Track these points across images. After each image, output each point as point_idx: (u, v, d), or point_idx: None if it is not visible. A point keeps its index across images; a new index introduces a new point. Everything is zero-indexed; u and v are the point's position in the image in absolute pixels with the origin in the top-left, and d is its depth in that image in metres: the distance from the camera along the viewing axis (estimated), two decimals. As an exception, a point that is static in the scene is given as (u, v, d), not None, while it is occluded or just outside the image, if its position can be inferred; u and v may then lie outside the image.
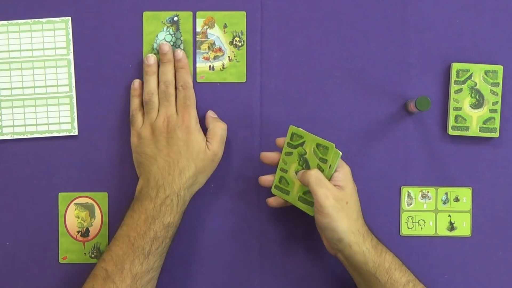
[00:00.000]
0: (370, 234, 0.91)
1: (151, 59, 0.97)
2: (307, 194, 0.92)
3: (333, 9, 0.99)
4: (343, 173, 0.91)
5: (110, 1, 0.99)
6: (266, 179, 0.95)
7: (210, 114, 0.97)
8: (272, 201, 0.95)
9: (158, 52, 0.98)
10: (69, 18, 0.99)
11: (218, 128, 0.95)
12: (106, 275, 0.87)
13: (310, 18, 0.99)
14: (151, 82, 0.96)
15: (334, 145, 0.90)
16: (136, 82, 0.97)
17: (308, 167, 0.91)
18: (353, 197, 0.91)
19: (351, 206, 0.89)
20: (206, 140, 0.95)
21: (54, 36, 0.99)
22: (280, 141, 0.94)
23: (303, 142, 0.92)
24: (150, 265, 0.89)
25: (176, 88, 0.96)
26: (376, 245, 0.90)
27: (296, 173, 0.92)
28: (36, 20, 0.99)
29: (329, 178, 0.90)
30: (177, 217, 0.91)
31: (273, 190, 0.94)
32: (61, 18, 0.99)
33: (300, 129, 0.93)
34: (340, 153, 0.90)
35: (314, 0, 0.99)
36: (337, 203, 0.88)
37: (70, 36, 0.99)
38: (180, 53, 0.97)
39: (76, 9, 0.99)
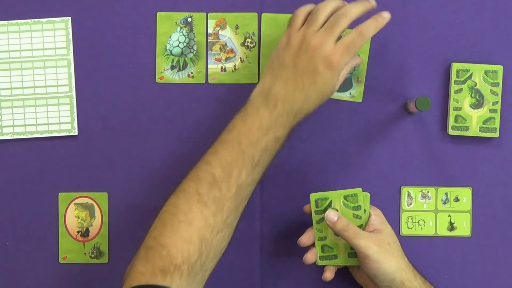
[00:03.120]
0: (416, 271, 0.92)
1: None
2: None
3: (333, 9, 0.99)
4: (378, 216, 0.92)
5: (111, 1, 0.99)
6: (310, 256, 0.92)
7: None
8: (328, 275, 0.93)
9: (171, 53, 0.98)
10: (69, 18, 0.99)
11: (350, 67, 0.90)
12: (212, 180, 0.83)
13: (310, 18, 1.00)
14: (335, 1, 0.88)
15: (361, 189, 0.91)
16: None
17: None
18: (393, 237, 0.91)
19: (394, 246, 0.90)
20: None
21: (54, 36, 0.99)
22: (308, 208, 0.92)
23: (330, 202, 0.92)
24: (255, 178, 0.85)
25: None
26: (425, 281, 0.92)
27: (335, 234, 0.91)
28: (36, 20, 0.99)
29: (367, 222, 0.91)
30: (286, 134, 0.87)
31: (319, 262, 0.93)
32: (61, 18, 0.99)
33: (321, 192, 0.92)
34: (369, 194, 0.92)
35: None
36: (380, 247, 0.88)
37: (70, 36, 0.99)
38: (388, 15, 0.88)
39: (76, 9, 0.99)
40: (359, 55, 0.90)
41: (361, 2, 0.89)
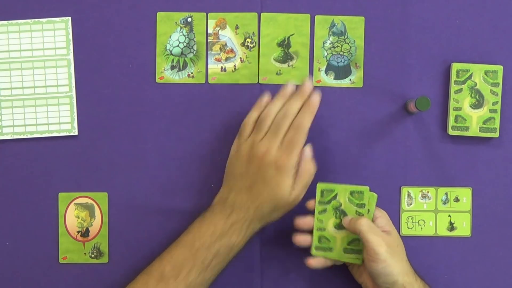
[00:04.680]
0: (417, 274, 0.92)
1: (290, 87, 0.93)
2: (352, 243, 0.92)
3: (333, 10, 0.99)
4: (385, 218, 0.93)
5: (111, 1, 0.99)
6: (302, 239, 0.93)
7: (307, 152, 0.92)
8: (313, 263, 0.93)
9: (171, 53, 0.98)
10: (69, 18, 0.99)
11: (307, 173, 0.91)
12: (161, 275, 0.88)
13: (310, 18, 1.00)
14: (277, 104, 0.92)
15: (368, 187, 0.92)
16: (266, 97, 0.94)
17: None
18: (400, 240, 0.92)
19: (401, 249, 0.91)
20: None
21: (54, 36, 0.99)
22: (311, 203, 0.93)
23: (336, 195, 0.92)
24: (205, 279, 0.89)
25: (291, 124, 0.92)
26: (425, 284, 0.92)
27: (335, 227, 0.92)
28: (36, 20, 0.99)
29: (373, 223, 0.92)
30: (242, 241, 0.91)
31: (314, 252, 0.93)
32: (61, 18, 0.99)
33: (328, 183, 0.93)
34: (376, 195, 0.92)
35: (313, 0, 1.00)
36: (390, 248, 0.88)
37: (70, 36, 0.99)
38: (317, 97, 0.92)
39: (76, 9, 0.99)
40: (312, 163, 0.92)
41: (299, 95, 0.92)
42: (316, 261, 0.93)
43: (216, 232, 0.89)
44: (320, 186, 0.93)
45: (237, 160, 0.93)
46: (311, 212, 0.94)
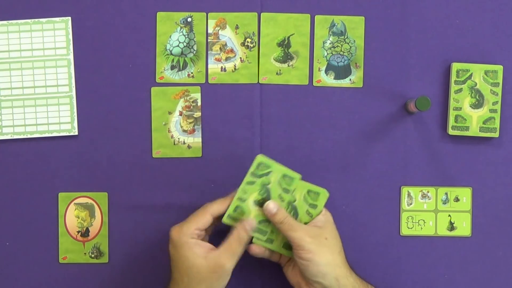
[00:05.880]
0: (353, 271, 0.90)
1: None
2: (263, 224, 0.91)
3: (333, 10, 0.99)
4: (325, 217, 0.91)
5: (111, 1, 0.99)
6: (255, 249, 0.92)
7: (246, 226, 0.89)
8: (254, 249, 0.92)
9: (171, 53, 0.98)
10: (69, 18, 0.99)
11: (236, 243, 0.88)
12: None
13: (310, 18, 1.00)
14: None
15: (326, 190, 0.91)
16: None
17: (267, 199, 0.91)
18: (333, 235, 0.90)
19: (332, 241, 0.89)
20: (216, 248, 0.89)
21: (54, 36, 0.99)
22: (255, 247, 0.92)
23: (269, 172, 0.91)
24: None
25: None
26: (361, 279, 0.90)
27: (254, 202, 0.91)
28: (36, 20, 0.99)
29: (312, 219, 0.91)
30: None
31: (225, 219, 0.90)
32: (61, 18, 0.99)
33: (268, 159, 0.91)
34: (328, 195, 0.91)
35: (313, 0, 1.00)
36: (315, 239, 0.88)
37: (70, 36, 0.99)
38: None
39: (76, 9, 0.99)
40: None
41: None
42: (257, 249, 0.92)
43: None
44: (258, 159, 0.90)
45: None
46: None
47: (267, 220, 0.91)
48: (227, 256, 0.88)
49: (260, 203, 0.91)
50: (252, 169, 0.91)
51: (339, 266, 0.88)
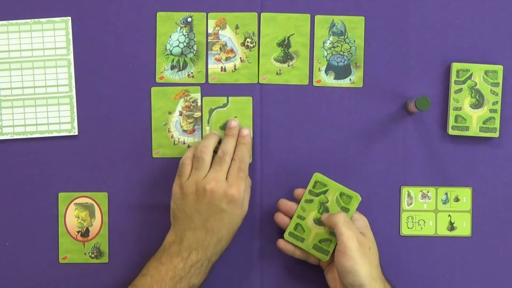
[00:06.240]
0: (388, 284, 0.91)
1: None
2: (323, 243, 0.93)
3: (333, 10, 0.99)
4: (363, 221, 0.93)
5: (111, 1, 0.99)
6: (281, 219, 0.95)
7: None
8: (282, 245, 0.95)
9: (171, 53, 0.98)
10: (69, 18, 0.99)
11: (249, 189, 0.95)
12: None
13: (310, 18, 1.00)
14: (210, 140, 0.95)
15: (358, 195, 0.92)
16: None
17: None
18: (374, 245, 0.92)
19: (374, 253, 0.90)
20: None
21: (54, 36, 0.99)
22: (299, 192, 0.94)
23: (326, 190, 0.93)
24: None
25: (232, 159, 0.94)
26: None
27: (315, 221, 0.93)
28: (36, 20, 0.99)
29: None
30: (203, 279, 0.91)
31: (286, 237, 0.94)
32: (61, 18, 0.99)
33: (325, 177, 0.93)
34: (360, 198, 0.92)
35: (313, 0, 1.00)
36: (361, 247, 0.88)
37: (70, 36, 0.99)
38: (246, 130, 0.96)
39: (76, 9, 0.99)
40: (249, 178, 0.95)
41: (230, 136, 0.95)
42: (285, 245, 0.94)
43: (176, 276, 0.89)
44: (316, 177, 0.93)
45: (184, 200, 0.92)
46: (295, 200, 0.94)
47: (329, 239, 0.92)
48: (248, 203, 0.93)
49: (320, 222, 0.93)
50: (309, 187, 0.93)
51: (375, 279, 0.88)
